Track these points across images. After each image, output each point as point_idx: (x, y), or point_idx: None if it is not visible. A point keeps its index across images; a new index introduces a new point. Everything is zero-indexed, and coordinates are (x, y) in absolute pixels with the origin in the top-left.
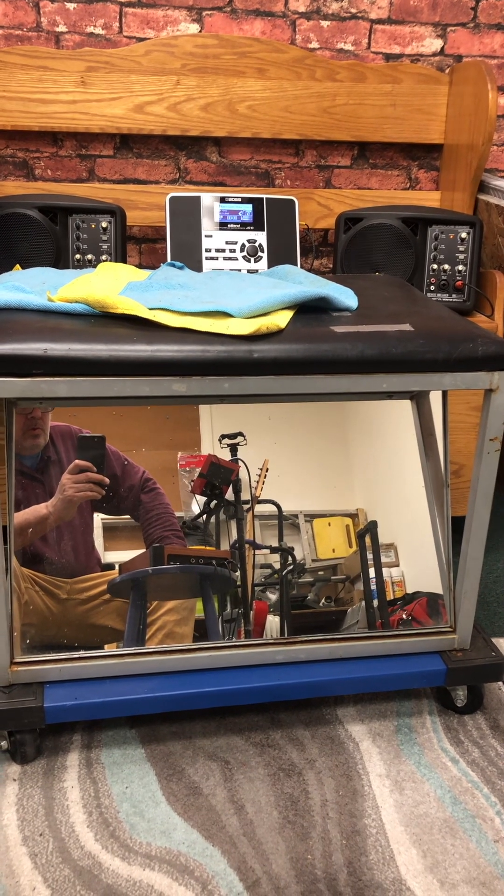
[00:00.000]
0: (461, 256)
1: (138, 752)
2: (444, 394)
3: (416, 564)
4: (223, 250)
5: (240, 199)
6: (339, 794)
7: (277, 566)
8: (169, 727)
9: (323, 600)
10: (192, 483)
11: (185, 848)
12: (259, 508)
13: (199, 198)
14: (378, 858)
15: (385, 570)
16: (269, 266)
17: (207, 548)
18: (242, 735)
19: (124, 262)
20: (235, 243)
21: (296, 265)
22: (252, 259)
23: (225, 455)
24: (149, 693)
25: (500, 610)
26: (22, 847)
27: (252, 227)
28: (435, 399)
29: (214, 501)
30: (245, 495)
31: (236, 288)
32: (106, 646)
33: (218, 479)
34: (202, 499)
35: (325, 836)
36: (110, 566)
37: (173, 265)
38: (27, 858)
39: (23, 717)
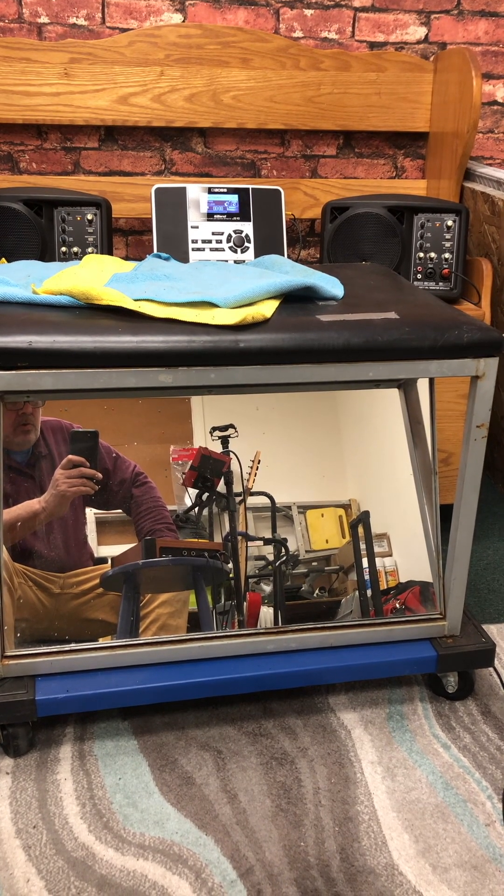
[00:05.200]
0: (447, 244)
1: (131, 743)
2: (432, 381)
3: (409, 554)
4: (210, 241)
5: (226, 190)
6: (331, 782)
7: (271, 557)
8: (161, 718)
9: (317, 591)
10: (184, 476)
11: (179, 837)
12: (252, 500)
13: (184, 189)
14: (370, 844)
15: (378, 560)
16: (256, 256)
17: (200, 540)
18: (235, 725)
19: (110, 254)
20: (222, 234)
21: (282, 255)
22: (239, 249)
23: (217, 447)
24: (140, 684)
25: (491, 597)
26: (15, 839)
27: (238, 218)
28: (423, 387)
29: (206, 494)
30: (237, 487)
31: (222, 278)
32: (100, 639)
33: (209, 471)
34: (195, 492)
35: (318, 823)
36: (103, 560)
37: (159, 256)
38: (21, 851)
39: (15, 711)
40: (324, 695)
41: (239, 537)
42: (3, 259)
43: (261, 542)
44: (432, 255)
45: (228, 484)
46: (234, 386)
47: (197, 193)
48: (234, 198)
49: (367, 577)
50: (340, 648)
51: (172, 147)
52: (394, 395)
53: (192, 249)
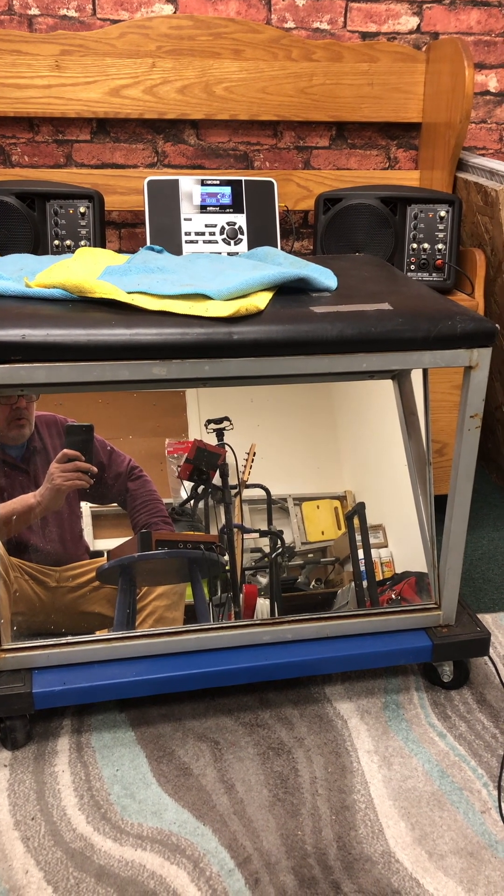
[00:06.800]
0: (441, 235)
1: (128, 734)
2: (425, 372)
3: (405, 545)
4: (203, 233)
5: (219, 182)
6: (328, 771)
7: (267, 549)
8: (158, 710)
9: (313, 582)
10: (180, 469)
11: (177, 828)
12: (247, 493)
13: (177, 181)
14: (367, 832)
15: (373, 551)
16: (249, 248)
17: (196, 533)
18: (231, 715)
19: (103, 247)
20: (215, 226)
21: (276, 247)
22: (232, 242)
23: (212, 440)
24: (137, 676)
25: (485, 586)
26: (14, 831)
27: (231, 210)
28: (416, 378)
29: (202, 487)
30: (233, 480)
31: (215, 270)
32: (96, 632)
33: (204, 464)
34: (190, 484)
35: (315, 812)
36: (99, 553)
37: (152, 249)
38: (19, 842)
39: (12, 703)
40: (320, 685)
41: (235, 529)
42: None
43: (256, 535)
44: (425, 245)
45: (224, 476)
46: (228, 378)
47: (190, 185)
48: (227, 190)
49: (362, 567)
50: (336, 639)
51: (165, 139)
52: (388, 386)
53: (186, 242)
